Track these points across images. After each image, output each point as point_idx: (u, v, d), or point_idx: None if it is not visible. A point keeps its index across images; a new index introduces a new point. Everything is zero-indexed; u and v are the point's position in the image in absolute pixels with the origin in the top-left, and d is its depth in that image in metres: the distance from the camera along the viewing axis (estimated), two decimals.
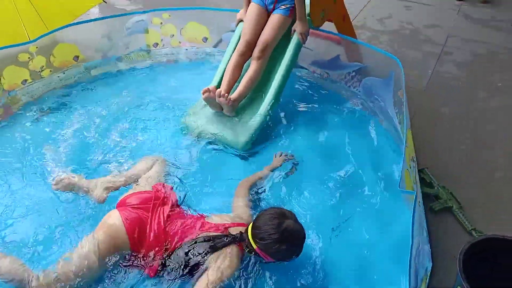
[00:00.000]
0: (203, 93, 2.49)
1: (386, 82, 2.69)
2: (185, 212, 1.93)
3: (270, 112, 2.57)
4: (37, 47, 2.81)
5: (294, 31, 2.66)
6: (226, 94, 2.49)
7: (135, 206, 1.83)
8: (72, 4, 3.21)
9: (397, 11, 4.18)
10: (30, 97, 2.84)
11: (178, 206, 1.95)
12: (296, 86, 2.99)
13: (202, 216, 1.90)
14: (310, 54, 2.97)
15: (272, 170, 2.28)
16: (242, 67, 2.67)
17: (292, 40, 2.67)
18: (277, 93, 2.61)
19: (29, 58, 2.80)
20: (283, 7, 2.63)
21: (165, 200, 1.90)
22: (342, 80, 2.95)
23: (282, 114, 2.70)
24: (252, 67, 2.62)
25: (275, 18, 2.63)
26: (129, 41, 3.10)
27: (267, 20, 2.67)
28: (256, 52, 2.61)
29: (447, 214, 2.22)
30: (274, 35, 2.61)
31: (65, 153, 2.34)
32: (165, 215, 1.83)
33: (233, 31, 2.86)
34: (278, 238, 1.67)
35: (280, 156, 2.39)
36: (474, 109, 2.98)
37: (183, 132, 2.55)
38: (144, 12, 3.07)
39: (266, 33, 2.61)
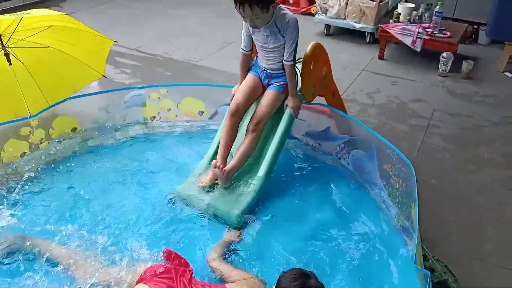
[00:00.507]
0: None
1: (369, 155, 2.77)
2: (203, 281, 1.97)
3: (263, 183, 2.62)
4: (38, 121, 2.89)
5: (287, 105, 2.78)
6: (221, 166, 2.56)
7: (160, 276, 1.85)
8: (73, 78, 3.33)
9: (384, 86, 4.39)
10: (28, 169, 2.87)
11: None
12: (289, 156, 3.07)
13: (223, 285, 1.92)
14: (304, 125, 3.08)
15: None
16: (237, 127, 2.77)
17: (285, 113, 2.79)
18: (270, 165, 2.67)
19: (30, 131, 2.88)
20: (277, 84, 2.76)
21: (184, 269, 1.94)
22: (333, 151, 3.03)
23: (274, 185, 2.74)
24: (247, 139, 2.70)
25: (269, 94, 2.77)
26: (127, 113, 3.21)
27: (260, 92, 2.81)
28: (251, 125, 2.71)
29: (443, 287, 2.20)
30: (268, 110, 2.73)
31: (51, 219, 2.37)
32: (188, 284, 1.86)
33: (228, 104, 2.98)
34: None
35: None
36: (463, 181, 3.05)
37: (176, 201, 2.57)
38: (142, 87, 3.21)
39: (261, 108, 2.73)
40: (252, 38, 2.72)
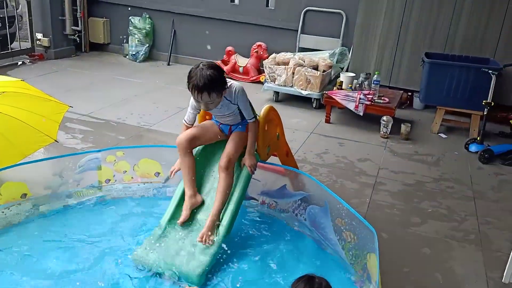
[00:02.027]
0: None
1: (324, 210, 2.89)
2: None
3: (222, 241, 2.63)
4: None
5: (244, 164, 2.87)
6: (209, 234, 2.64)
7: None
8: (23, 144, 3.26)
9: (332, 147, 4.63)
10: None
11: None
12: (246, 216, 3.12)
13: None
14: (259, 185, 3.17)
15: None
16: (192, 157, 2.85)
17: (242, 172, 2.87)
18: (229, 224, 2.71)
19: None
20: (239, 127, 2.91)
21: None
22: (289, 208, 3.12)
23: (233, 244, 2.76)
24: (222, 179, 2.75)
25: (235, 134, 2.89)
26: (81, 178, 3.16)
27: (218, 137, 2.94)
28: (222, 163, 2.77)
29: None
30: (236, 148, 2.83)
31: None
32: None
33: None
34: None
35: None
36: (411, 234, 3.21)
37: (135, 265, 2.51)
38: (99, 150, 3.21)
39: (229, 147, 2.82)
40: (196, 115, 2.91)
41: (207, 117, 3.05)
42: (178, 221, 2.73)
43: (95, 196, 3.20)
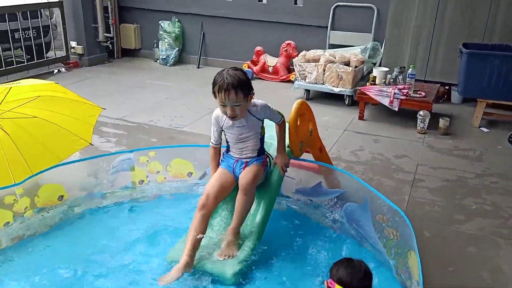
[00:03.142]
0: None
1: (363, 207, 2.78)
2: None
3: (256, 242, 2.57)
4: (23, 189, 2.83)
5: (275, 163, 2.80)
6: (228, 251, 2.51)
7: None
8: (59, 148, 3.32)
9: (367, 144, 4.49)
10: (10, 240, 2.76)
11: None
12: (281, 214, 3.05)
13: None
14: (293, 183, 3.09)
15: None
16: (206, 222, 2.57)
17: (273, 171, 2.80)
18: (262, 224, 2.64)
19: (14, 200, 2.80)
20: (254, 162, 2.72)
21: None
22: (325, 206, 3.02)
23: (268, 244, 2.68)
24: (242, 198, 2.60)
25: (250, 167, 2.68)
26: (115, 178, 3.18)
27: (233, 185, 2.71)
28: (242, 185, 2.60)
29: None
30: (253, 176, 2.62)
31: None
32: None
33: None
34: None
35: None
36: (454, 232, 3.06)
37: (171, 264, 2.49)
38: (131, 151, 3.21)
39: (245, 175, 2.62)
40: (221, 132, 2.74)
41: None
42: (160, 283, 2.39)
43: (129, 198, 3.20)
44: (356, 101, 5.33)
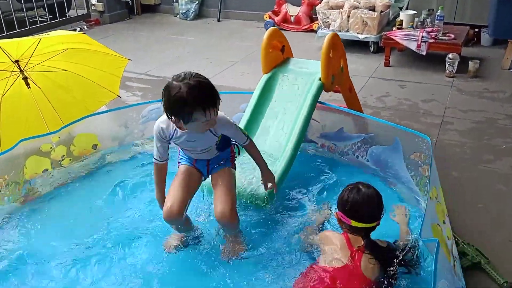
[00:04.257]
0: None
1: (394, 147, 2.78)
2: None
3: (285, 173, 2.64)
4: (58, 137, 2.93)
5: (266, 185, 2.40)
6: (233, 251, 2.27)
7: None
8: (88, 100, 3.40)
9: (393, 90, 4.43)
10: (51, 185, 2.91)
11: None
12: (306, 158, 3.09)
13: None
14: (318, 128, 3.11)
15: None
16: (187, 221, 2.33)
17: (298, 116, 2.81)
18: (283, 172, 2.65)
19: (51, 148, 2.91)
20: (222, 162, 2.33)
21: None
22: (349, 150, 3.04)
23: (291, 187, 2.76)
24: (228, 228, 2.31)
25: (223, 174, 2.29)
26: (145, 127, 3.25)
27: (200, 180, 2.35)
28: (225, 218, 2.19)
29: (476, 270, 2.17)
30: (233, 192, 2.27)
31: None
32: None
33: (243, 112, 3.05)
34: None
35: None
36: (483, 171, 3.05)
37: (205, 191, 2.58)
38: (158, 100, 3.25)
39: (223, 195, 2.21)
40: (168, 146, 2.22)
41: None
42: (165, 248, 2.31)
43: None
44: (381, 47, 5.21)
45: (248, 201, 2.56)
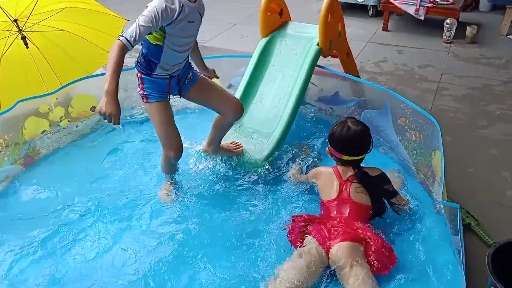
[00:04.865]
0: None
1: (383, 112, 2.82)
2: None
3: (282, 137, 2.71)
4: (56, 98, 2.94)
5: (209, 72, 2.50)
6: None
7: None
8: (86, 61, 3.39)
9: (390, 55, 4.43)
10: (49, 147, 2.94)
11: None
12: (304, 120, 3.16)
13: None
14: (316, 92, 3.13)
15: None
16: None
17: (298, 77, 2.82)
18: (284, 131, 2.73)
19: (49, 109, 2.93)
20: (190, 75, 2.32)
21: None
22: (345, 114, 3.08)
23: (291, 143, 2.84)
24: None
25: (202, 83, 2.32)
26: None
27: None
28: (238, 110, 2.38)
29: (467, 231, 2.26)
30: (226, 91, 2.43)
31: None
32: None
33: (242, 76, 3.05)
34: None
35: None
36: (477, 136, 3.11)
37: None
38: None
39: (225, 95, 2.37)
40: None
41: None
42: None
43: None
44: (380, 11, 5.16)
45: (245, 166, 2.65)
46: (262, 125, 2.84)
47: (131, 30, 1.89)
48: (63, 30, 3.19)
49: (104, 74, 3.13)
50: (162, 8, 1.90)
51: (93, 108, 3.17)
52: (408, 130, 2.63)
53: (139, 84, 2.18)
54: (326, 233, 1.98)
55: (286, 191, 2.50)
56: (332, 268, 1.94)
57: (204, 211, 2.38)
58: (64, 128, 3.04)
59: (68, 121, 3.06)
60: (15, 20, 2.96)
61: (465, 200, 2.45)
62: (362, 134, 2.15)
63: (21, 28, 3.01)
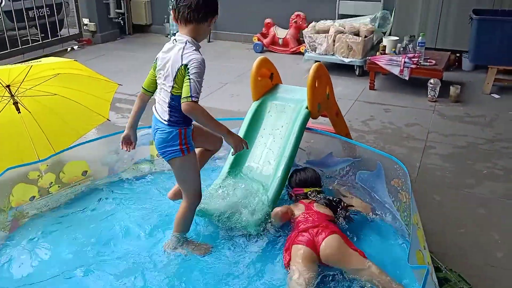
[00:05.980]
0: None
1: (376, 173, 2.87)
2: None
3: (276, 198, 2.72)
4: (47, 165, 2.95)
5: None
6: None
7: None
8: (78, 123, 3.44)
9: (378, 114, 4.55)
10: (37, 210, 2.91)
11: None
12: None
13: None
14: (304, 155, 3.18)
15: None
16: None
17: (288, 141, 2.88)
18: (275, 195, 2.74)
19: (38, 176, 2.93)
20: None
21: None
22: (337, 176, 3.12)
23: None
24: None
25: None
26: (135, 152, 3.29)
27: None
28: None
29: None
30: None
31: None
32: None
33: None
34: None
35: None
36: (465, 195, 3.14)
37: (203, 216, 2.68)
38: (149, 127, 3.30)
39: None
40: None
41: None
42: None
43: (148, 170, 3.34)
44: (366, 71, 5.35)
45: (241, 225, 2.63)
46: (253, 187, 2.84)
47: (194, 88, 2.08)
48: (55, 94, 3.25)
49: (98, 138, 3.26)
50: (202, 59, 2.14)
51: (84, 173, 3.18)
52: (400, 191, 2.66)
53: (178, 143, 2.24)
54: (309, 235, 2.32)
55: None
56: (327, 263, 2.23)
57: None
58: (53, 195, 3.02)
59: (59, 186, 3.05)
60: (8, 86, 3.02)
61: (456, 261, 2.44)
62: (313, 171, 2.89)
63: (13, 94, 3.06)
